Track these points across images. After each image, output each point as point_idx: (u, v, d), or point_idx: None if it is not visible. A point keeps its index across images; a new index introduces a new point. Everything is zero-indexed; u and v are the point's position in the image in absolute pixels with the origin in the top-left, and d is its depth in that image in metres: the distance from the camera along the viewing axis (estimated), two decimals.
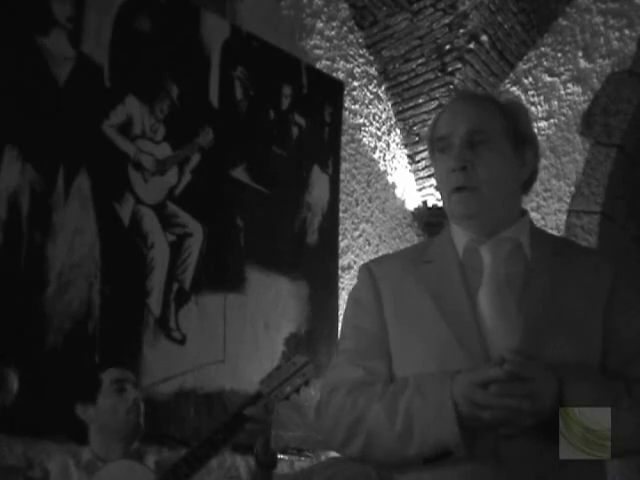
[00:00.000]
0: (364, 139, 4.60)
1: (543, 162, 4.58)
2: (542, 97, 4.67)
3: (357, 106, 4.59)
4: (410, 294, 1.61)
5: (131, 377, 2.64)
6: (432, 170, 4.97)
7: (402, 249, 1.89)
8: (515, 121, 1.64)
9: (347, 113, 4.49)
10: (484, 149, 1.58)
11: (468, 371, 1.43)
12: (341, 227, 4.33)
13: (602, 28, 4.55)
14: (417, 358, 1.54)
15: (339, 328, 4.06)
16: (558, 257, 1.60)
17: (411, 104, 4.74)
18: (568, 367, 1.46)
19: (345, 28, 4.57)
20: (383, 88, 4.76)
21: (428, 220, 4.76)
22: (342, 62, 4.53)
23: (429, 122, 4.72)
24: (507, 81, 4.78)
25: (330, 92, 4.39)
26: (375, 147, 4.66)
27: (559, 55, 4.68)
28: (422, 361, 1.53)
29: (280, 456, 3.49)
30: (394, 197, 4.73)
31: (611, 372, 1.53)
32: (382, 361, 1.60)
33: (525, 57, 4.76)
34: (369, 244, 4.50)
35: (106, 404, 2.54)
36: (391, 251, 4.11)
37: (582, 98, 4.56)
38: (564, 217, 4.50)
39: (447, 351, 1.51)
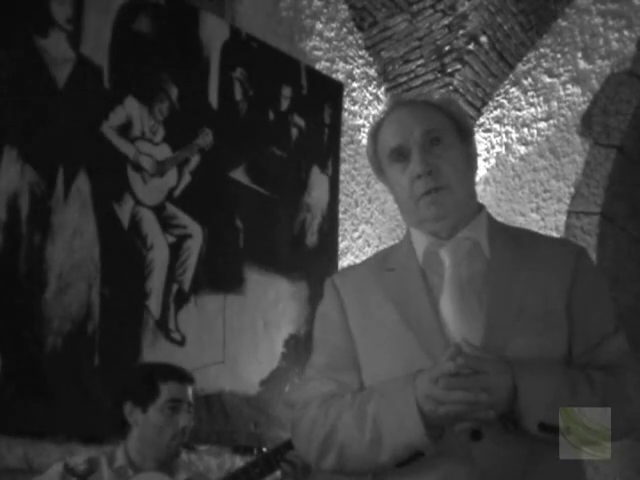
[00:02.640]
0: (364, 140, 4.60)
1: (542, 163, 4.59)
2: (541, 98, 4.68)
3: (356, 107, 4.59)
4: (374, 304, 1.62)
5: (188, 397, 2.54)
6: None
7: (365, 259, 1.89)
8: (456, 117, 1.66)
9: (347, 114, 4.49)
10: (441, 149, 1.59)
11: (428, 369, 1.44)
12: (341, 228, 4.33)
13: (601, 29, 4.55)
14: (385, 368, 1.55)
15: None
16: (518, 250, 1.60)
17: None
18: (525, 360, 1.45)
19: (344, 29, 4.57)
20: (383, 89, 4.77)
21: None
22: (341, 63, 4.53)
23: None
24: (506, 82, 4.78)
25: (329, 93, 4.39)
26: None
27: (558, 56, 4.68)
28: (390, 370, 1.53)
29: None
30: None
31: (577, 359, 1.53)
32: (352, 373, 1.61)
33: (524, 58, 4.76)
34: (369, 245, 4.50)
35: (155, 420, 2.47)
36: None
37: (581, 99, 4.56)
38: (563, 218, 4.49)
39: (413, 358, 1.51)
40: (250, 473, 2.52)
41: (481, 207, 1.67)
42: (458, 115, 1.67)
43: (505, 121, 4.74)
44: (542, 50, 4.73)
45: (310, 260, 4.08)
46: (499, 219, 1.78)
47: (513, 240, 1.63)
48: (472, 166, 1.68)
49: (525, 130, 4.66)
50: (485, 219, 1.65)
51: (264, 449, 3.20)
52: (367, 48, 4.69)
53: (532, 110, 4.65)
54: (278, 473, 2.59)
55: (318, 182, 4.22)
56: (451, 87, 4.57)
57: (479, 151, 4.63)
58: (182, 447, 2.55)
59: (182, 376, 2.59)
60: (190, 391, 2.57)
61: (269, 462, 2.53)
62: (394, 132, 1.64)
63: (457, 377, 1.39)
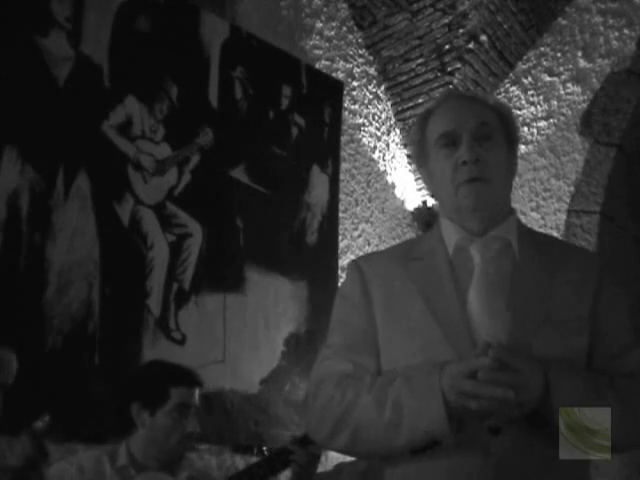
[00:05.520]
0: (364, 139, 4.60)
1: (542, 162, 4.59)
2: (541, 97, 4.67)
3: (356, 106, 4.59)
4: (399, 291, 1.62)
5: (195, 401, 2.52)
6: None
7: (391, 246, 1.89)
8: (508, 122, 1.69)
9: (346, 113, 4.49)
10: (490, 145, 1.62)
11: (456, 361, 1.45)
12: (341, 227, 4.33)
13: (601, 28, 4.55)
14: (405, 355, 1.56)
15: None
16: (545, 256, 1.62)
17: (410, 104, 4.74)
18: (554, 361, 1.47)
19: (344, 28, 4.57)
20: (382, 88, 4.76)
21: (428, 220, 4.76)
22: (341, 62, 4.53)
23: None
24: (506, 81, 4.78)
25: (329, 92, 4.39)
26: (375, 147, 4.66)
27: (558, 55, 4.68)
28: (411, 358, 1.54)
29: None
30: (394, 197, 4.73)
31: (597, 368, 1.55)
32: (370, 356, 1.61)
33: (524, 57, 4.76)
34: (369, 244, 4.50)
35: (162, 423, 2.45)
36: None
37: (581, 98, 4.56)
38: (564, 217, 4.50)
39: (435, 348, 1.52)
40: (254, 473, 2.52)
41: (512, 211, 1.69)
42: (510, 122, 1.70)
43: None
44: (542, 49, 4.73)
45: (310, 259, 4.08)
46: None
47: (541, 245, 1.65)
48: (512, 173, 1.71)
49: (525, 129, 4.66)
50: (515, 222, 1.67)
51: (264, 450, 3.20)
52: (367, 47, 4.69)
53: (532, 109, 4.65)
54: (281, 475, 2.59)
55: (318, 181, 4.23)
56: (451, 86, 4.56)
57: None
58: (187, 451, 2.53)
59: (192, 380, 2.57)
60: (197, 394, 2.55)
61: (273, 464, 2.52)
62: (449, 118, 1.64)
63: (491, 372, 1.39)
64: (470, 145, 1.59)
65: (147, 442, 2.46)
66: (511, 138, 1.68)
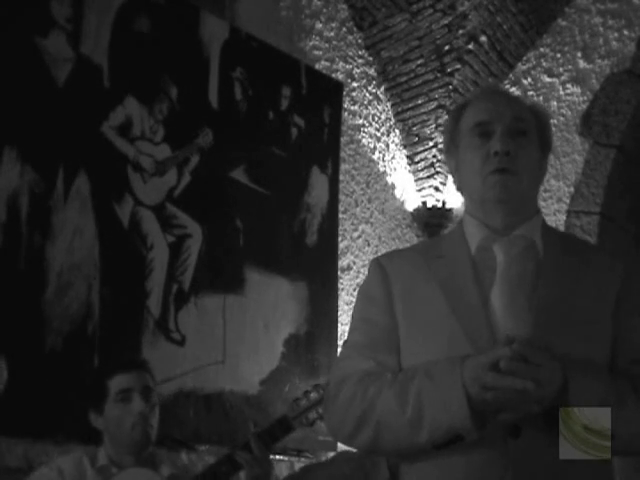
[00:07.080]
0: (363, 140, 4.60)
1: None
2: (541, 98, 4.68)
3: (356, 107, 4.59)
4: (421, 289, 1.62)
5: (141, 383, 2.50)
6: (431, 171, 4.96)
7: (413, 244, 1.89)
8: (544, 126, 1.69)
9: (346, 114, 4.49)
10: (524, 141, 1.62)
11: (477, 355, 1.44)
12: (340, 228, 4.33)
13: (601, 29, 4.55)
14: (426, 353, 1.55)
15: (339, 329, 4.08)
16: (569, 256, 1.61)
17: (410, 105, 4.74)
18: (576, 361, 1.46)
19: (344, 29, 4.57)
20: (382, 89, 4.76)
21: (427, 221, 4.76)
22: (341, 63, 4.53)
23: (428, 123, 4.73)
24: (506, 82, 4.78)
25: (329, 93, 4.39)
26: (374, 148, 4.66)
27: (558, 56, 4.68)
28: (430, 356, 1.53)
29: (279, 457, 3.50)
30: (393, 198, 4.73)
31: (619, 371, 1.53)
32: (392, 354, 1.60)
33: (524, 58, 4.77)
34: (368, 245, 4.50)
35: (112, 415, 2.46)
36: None
37: (581, 99, 4.56)
38: (563, 218, 4.50)
39: (457, 347, 1.51)
40: (217, 473, 2.52)
41: (537, 210, 1.69)
42: (547, 127, 1.70)
43: None
44: (542, 50, 4.73)
45: (310, 260, 4.08)
46: None
47: (565, 246, 1.65)
48: (542, 175, 1.70)
49: None
50: (540, 222, 1.67)
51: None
52: (367, 48, 4.69)
53: None
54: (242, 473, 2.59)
55: (318, 182, 4.22)
56: (451, 87, 4.57)
57: None
58: (153, 433, 2.51)
59: (127, 365, 2.58)
60: (143, 376, 2.53)
61: (234, 461, 2.53)
62: (485, 108, 1.65)
63: (512, 362, 1.38)
64: (503, 137, 1.59)
65: (109, 439, 2.48)
66: (545, 142, 1.68)
